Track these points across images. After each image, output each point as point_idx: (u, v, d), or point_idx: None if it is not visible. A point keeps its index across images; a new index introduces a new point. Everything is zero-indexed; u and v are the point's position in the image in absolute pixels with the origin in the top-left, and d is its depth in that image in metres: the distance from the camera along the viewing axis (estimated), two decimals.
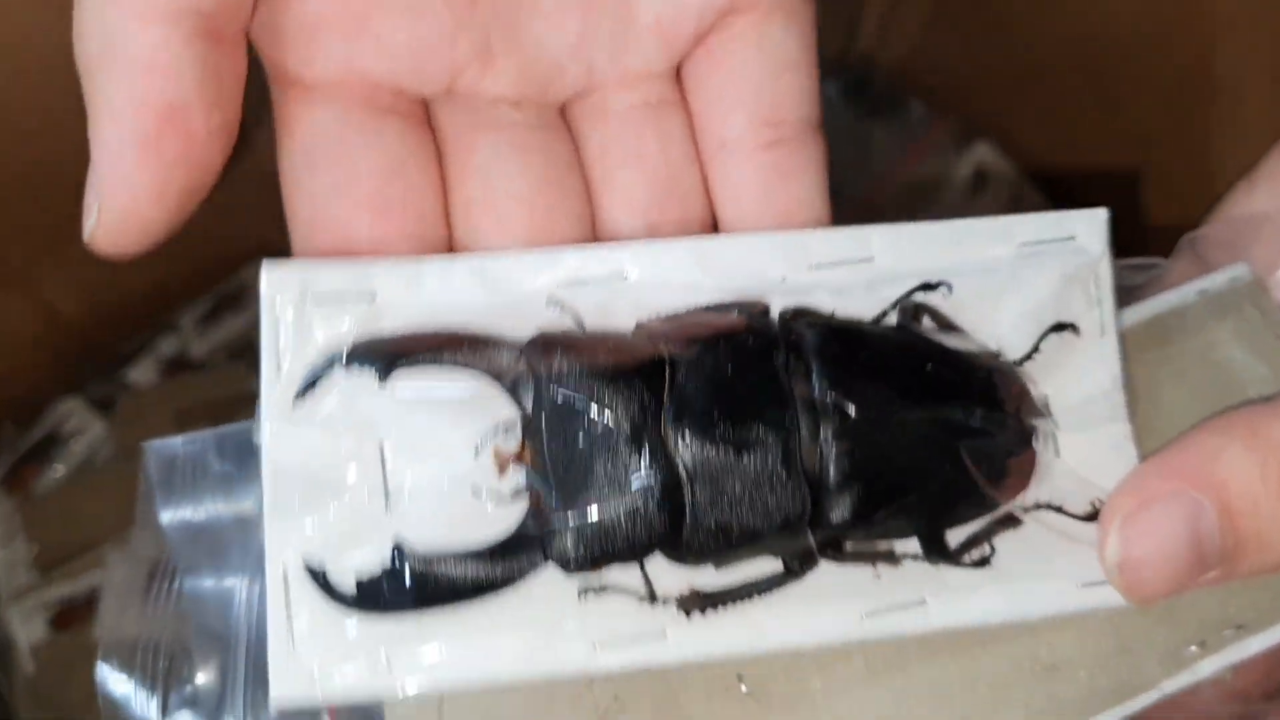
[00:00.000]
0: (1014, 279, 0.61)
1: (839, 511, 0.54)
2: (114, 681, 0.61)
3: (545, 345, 0.54)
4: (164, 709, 0.60)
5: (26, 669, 1.02)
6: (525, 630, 0.54)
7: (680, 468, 0.52)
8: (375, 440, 0.55)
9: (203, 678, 0.60)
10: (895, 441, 0.54)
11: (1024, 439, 0.57)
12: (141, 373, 1.09)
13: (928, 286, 0.60)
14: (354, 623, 0.52)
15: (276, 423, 0.54)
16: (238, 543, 0.62)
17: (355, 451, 0.54)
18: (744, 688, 0.58)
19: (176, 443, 0.63)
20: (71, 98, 0.54)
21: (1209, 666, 0.59)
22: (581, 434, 0.52)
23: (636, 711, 0.57)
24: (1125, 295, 0.65)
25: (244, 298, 1.08)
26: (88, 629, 1.02)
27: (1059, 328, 0.61)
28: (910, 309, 0.59)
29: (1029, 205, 1.11)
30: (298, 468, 0.54)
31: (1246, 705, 0.62)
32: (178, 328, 1.10)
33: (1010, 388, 0.58)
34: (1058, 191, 1.13)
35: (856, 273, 0.60)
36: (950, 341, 0.58)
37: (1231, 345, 0.64)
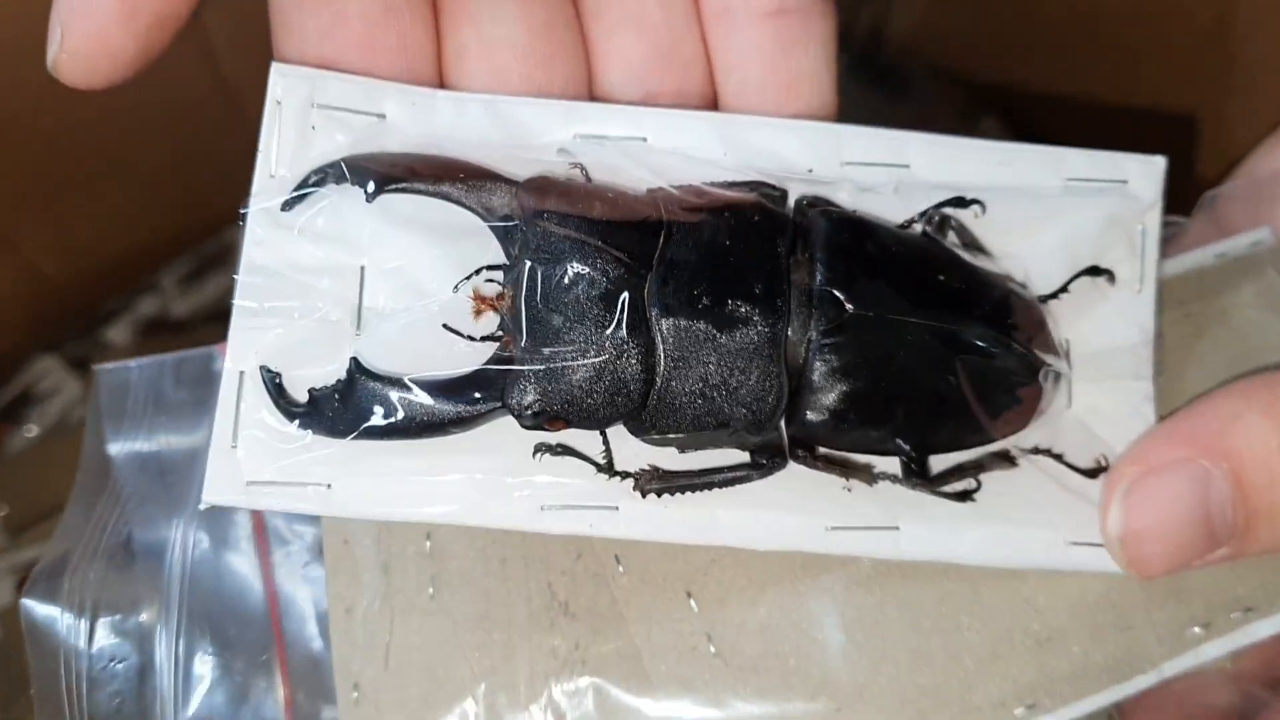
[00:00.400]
0: (1055, 211, 0.57)
1: (818, 409, 0.51)
2: (40, 610, 0.59)
3: (541, 188, 0.52)
4: (90, 637, 0.59)
5: None
6: (474, 476, 0.52)
7: (656, 336, 0.50)
8: (356, 256, 0.53)
9: (133, 610, 0.59)
10: (889, 345, 0.51)
11: (1030, 372, 0.53)
12: (119, 332, 1.04)
13: (960, 201, 0.56)
14: (300, 436, 0.51)
15: (260, 223, 0.52)
16: (185, 479, 0.60)
17: (334, 264, 0.53)
18: (712, 648, 0.55)
19: (130, 366, 0.62)
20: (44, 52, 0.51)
21: (1213, 650, 0.55)
22: (561, 286, 0.50)
23: (599, 665, 0.55)
24: None
25: (227, 259, 1.04)
26: None
27: (1095, 271, 0.57)
28: (937, 220, 0.56)
29: None
30: (274, 271, 0.52)
31: (1247, 691, 0.58)
32: (159, 288, 1.05)
33: (1027, 316, 0.54)
34: None
35: (889, 175, 0.56)
36: (976, 259, 0.55)
37: (1251, 309, 0.59)
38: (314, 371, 0.51)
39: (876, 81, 1.07)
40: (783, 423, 0.51)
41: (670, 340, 0.50)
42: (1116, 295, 0.58)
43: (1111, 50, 0.92)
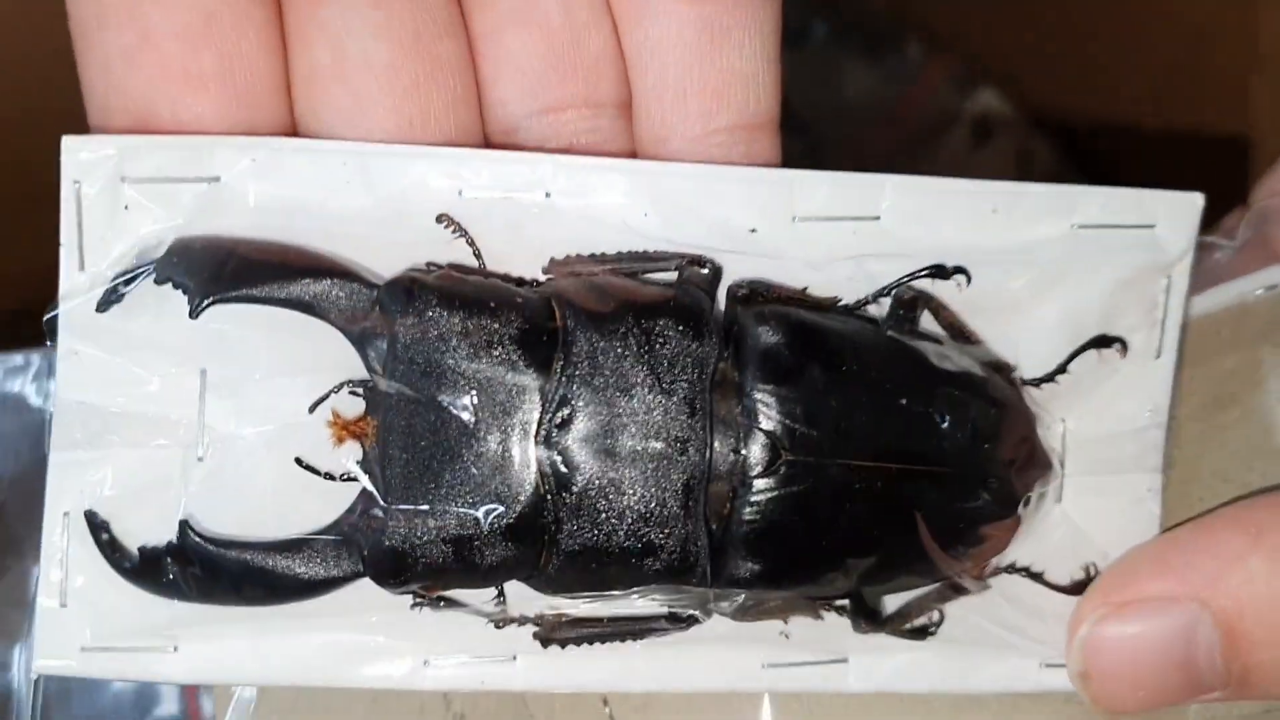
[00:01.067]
0: (1057, 276, 0.46)
1: (744, 570, 0.42)
2: None
3: (407, 292, 0.42)
4: None
5: None
6: (342, 634, 0.44)
7: (549, 481, 0.41)
8: (193, 370, 0.44)
9: None
10: (832, 496, 0.42)
11: (1008, 504, 0.44)
12: None
13: (939, 272, 0.46)
14: (137, 593, 0.43)
15: (74, 337, 0.43)
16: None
17: (167, 382, 0.44)
18: (609, 711, 0.49)
19: None
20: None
21: None
22: (432, 423, 0.41)
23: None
24: None
25: None
26: None
27: (1101, 342, 0.47)
28: (909, 300, 0.45)
29: (1039, 158, 0.91)
30: (95, 395, 0.43)
31: None
32: None
33: (1010, 433, 0.44)
34: (1071, 143, 0.93)
35: (852, 235, 0.45)
36: (950, 358, 0.45)
37: None
38: (145, 518, 0.43)
39: (865, 50, 0.90)
40: (708, 575, 0.43)
41: (566, 490, 0.41)
42: (1127, 367, 0.48)
43: (1119, 13, 0.76)
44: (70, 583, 0.44)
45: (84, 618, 0.44)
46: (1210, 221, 0.50)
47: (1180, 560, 0.44)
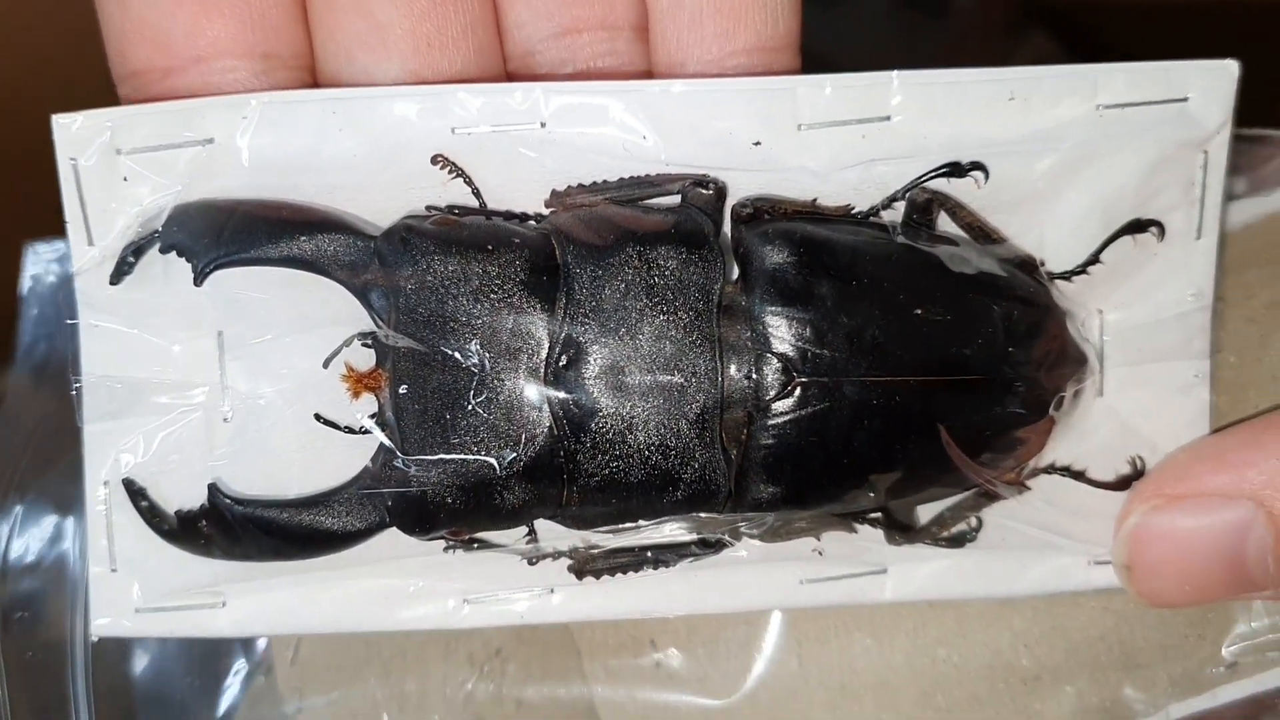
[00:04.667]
0: (1083, 159, 0.44)
1: (767, 493, 0.42)
2: None
3: (405, 241, 0.41)
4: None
5: None
6: (381, 579, 0.45)
7: (561, 421, 0.41)
8: (210, 333, 0.44)
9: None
10: (851, 414, 0.41)
11: (1039, 407, 0.43)
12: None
13: (954, 170, 0.43)
14: (180, 553, 0.45)
15: (92, 311, 0.44)
16: None
17: (186, 347, 0.44)
18: (656, 656, 0.50)
19: None
20: None
21: (1233, 691, 0.47)
22: (440, 373, 0.41)
23: (524, 663, 0.50)
24: None
25: None
26: None
27: (1136, 227, 0.45)
28: (923, 203, 0.44)
29: None
30: (120, 366, 0.44)
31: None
32: None
33: (1038, 332, 0.43)
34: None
35: (861, 139, 0.43)
36: (969, 260, 0.43)
37: None
38: (180, 481, 0.44)
39: (910, 1, 0.84)
40: (730, 501, 0.43)
41: (579, 428, 0.41)
42: (1166, 251, 0.45)
43: None
44: (117, 548, 0.45)
45: (134, 580, 0.45)
46: (1254, 102, 0.47)
47: (1239, 458, 0.42)
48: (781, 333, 0.41)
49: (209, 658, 0.57)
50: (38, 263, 0.56)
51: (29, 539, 0.56)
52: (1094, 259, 0.45)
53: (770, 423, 0.41)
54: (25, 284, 0.56)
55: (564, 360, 0.40)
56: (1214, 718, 0.47)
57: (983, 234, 0.44)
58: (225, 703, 0.55)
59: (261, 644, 0.54)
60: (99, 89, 0.48)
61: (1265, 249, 0.48)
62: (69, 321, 0.44)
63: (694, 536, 0.44)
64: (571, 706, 0.50)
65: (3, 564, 0.55)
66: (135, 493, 0.44)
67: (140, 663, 0.57)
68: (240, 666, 0.56)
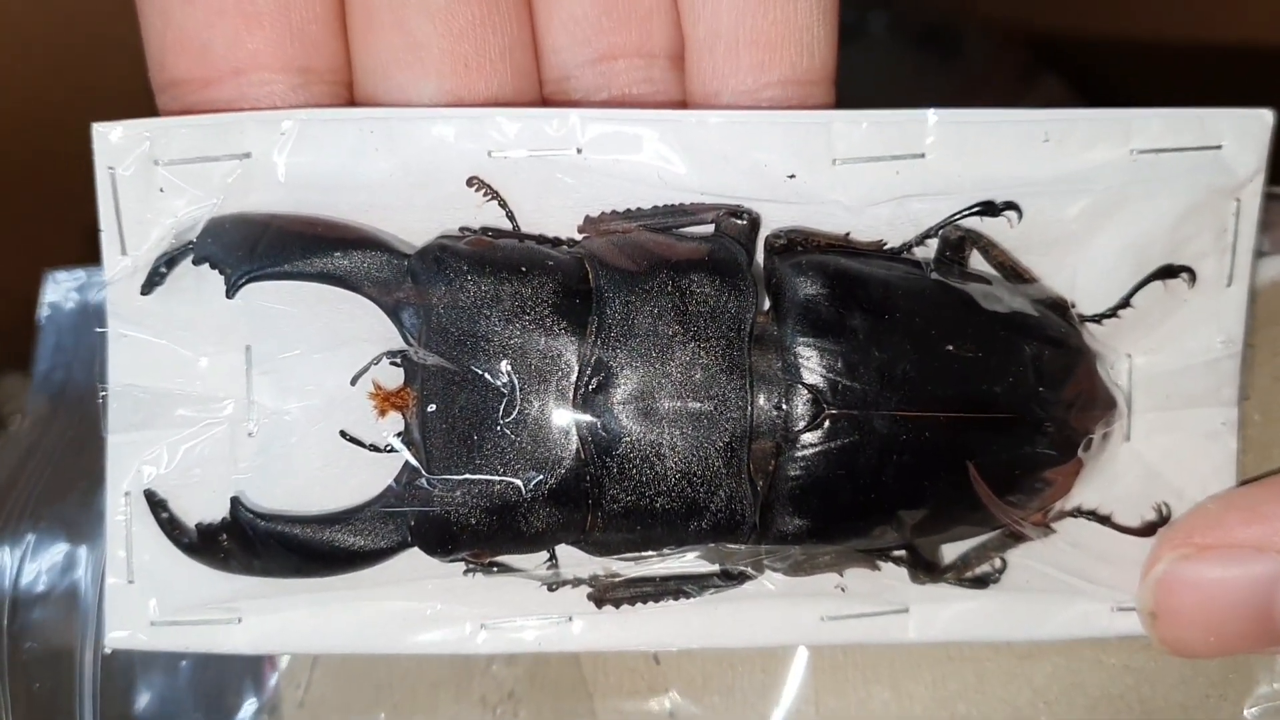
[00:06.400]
0: (1116, 203, 0.44)
1: (793, 526, 0.41)
2: None
3: (439, 261, 0.41)
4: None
5: None
6: (399, 601, 0.45)
7: (589, 445, 0.40)
8: (238, 347, 0.44)
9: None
10: (880, 448, 0.41)
11: (1068, 447, 0.43)
12: None
13: (988, 208, 0.44)
14: (199, 567, 0.44)
15: (121, 321, 0.44)
16: None
17: (213, 360, 0.44)
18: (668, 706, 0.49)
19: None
20: None
21: None
22: (472, 387, 0.41)
23: (535, 706, 0.49)
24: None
25: None
26: None
27: (1167, 272, 0.45)
28: (956, 240, 0.44)
29: None
30: (146, 377, 0.44)
31: None
32: None
33: (1068, 374, 0.43)
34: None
35: (895, 175, 0.44)
36: (1001, 298, 0.43)
37: None
38: (201, 494, 0.44)
39: (923, 41, 0.86)
40: (755, 531, 0.42)
41: (606, 454, 0.40)
42: (1197, 298, 0.45)
43: None
44: (135, 560, 0.45)
45: (150, 593, 0.45)
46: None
47: (1272, 510, 0.42)
48: (812, 364, 0.41)
49: (217, 694, 0.56)
50: (57, 291, 0.57)
51: (40, 566, 0.56)
52: (1125, 303, 0.45)
53: (798, 454, 0.41)
54: (43, 312, 0.56)
55: (593, 384, 0.40)
56: None
57: (1015, 273, 0.44)
58: None
59: (271, 681, 0.53)
60: (116, 97, 0.48)
61: None
62: (98, 330, 0.44)
63: (717, 568, 0.44)
64: None
65: (13, 591, 0.55)
66: (156, 504, 0.44)
67: (145, 698, 0.56)
68: (250, 704, 0.55)
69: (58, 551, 0.55)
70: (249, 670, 0.55)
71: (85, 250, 0.51)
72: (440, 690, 0.51)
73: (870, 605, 0.46)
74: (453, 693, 0.51)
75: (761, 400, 0.41)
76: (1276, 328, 0.49)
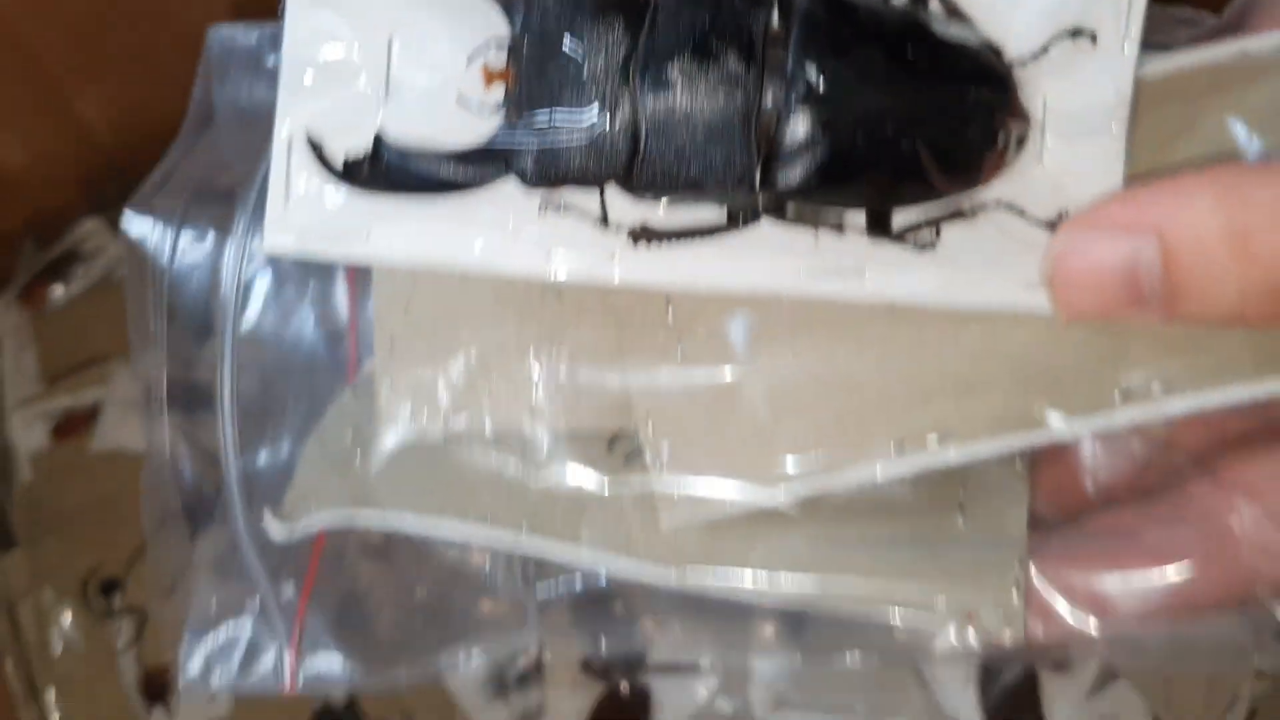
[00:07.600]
0: None
1: (786, 177, 0.57)
2: (136, 223, 0.71)
3: None
4: (175, 247, 0.70)
5: (24, 476, 1.02)
6: (489, 229, 0.60)
7: (640, 108, 0.56)
8: (385, 33, 0.60)
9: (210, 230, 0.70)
10: (855, 120, 0.56)
11: (991, 137, 0.58)
12: None
13: None
14: (342, 193, 0.60)
15: (296, 5, 0.59)
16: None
17: (365, 41, 0.60)
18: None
19: (237, 30, 0.70)
20: None
21: (1124, 417, 0.61)
22: (558, 62, 0.56)
23: (589, 326, 0.65)
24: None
25: None
26: (87, 441, 1.02)
27: (1075, 33, 0.60)
28: None
29: None
30: (312, 48, 0.60)
31: (1169, 458, 0.65)
32: None
33: (995, 83, 0.58)
34: None
35: None
36: (951, 30, 0.58)
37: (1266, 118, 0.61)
38: (349, 140, 0.59)
39: None
40: (757, 185, 0.58)
41: (652, 112, 0.56)
42: (1096, 55, 0.60)
43: None
44: (291, 186, 0.60)
45: (299, 211, 0.60)
46: None
47: (1145, 196, 0.56)
48: (810, 58, 0.56)
49: None
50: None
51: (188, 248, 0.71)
52: (1043, 50, 0.60)
53: (795, 119, 0.56)
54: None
55: (648, 54, 0.56)
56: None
57: (961, 18, 0.59)
58: None
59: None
60: None
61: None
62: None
63: (726, 214, 0.59)
64: None
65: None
66: (314, 144, 0.59)
67: None
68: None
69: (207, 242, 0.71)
70: None
71: None
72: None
73: (835, 263, 0.61)
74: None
75: (770, 80, 0.56)
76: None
